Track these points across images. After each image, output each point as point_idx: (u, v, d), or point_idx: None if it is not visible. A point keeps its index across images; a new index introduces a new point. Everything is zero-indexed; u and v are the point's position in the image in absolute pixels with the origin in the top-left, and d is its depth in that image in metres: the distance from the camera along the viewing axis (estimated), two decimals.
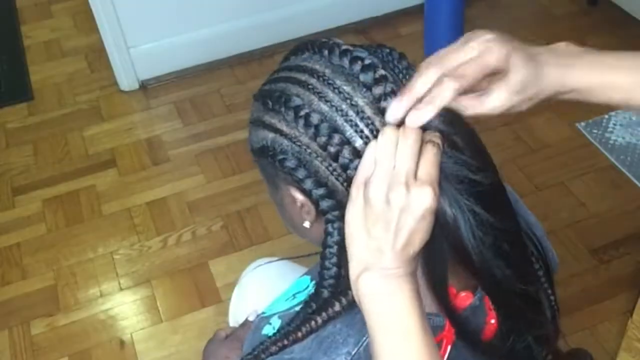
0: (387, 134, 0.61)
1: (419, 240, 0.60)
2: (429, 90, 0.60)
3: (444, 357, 0.68)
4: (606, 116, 2.20)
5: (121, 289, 1.89)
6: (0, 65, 2.70)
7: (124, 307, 1.85)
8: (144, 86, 2.52)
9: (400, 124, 0.62)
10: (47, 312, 1.85)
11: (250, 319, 1.11)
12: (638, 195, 1.97)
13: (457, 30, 2.43)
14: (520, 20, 2.63)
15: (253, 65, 2.55)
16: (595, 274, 1.81)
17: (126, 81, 2.49)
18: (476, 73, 0.60)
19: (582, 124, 2.19)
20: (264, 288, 1.19)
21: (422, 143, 0.61)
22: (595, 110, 2.22)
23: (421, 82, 0.60)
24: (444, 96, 0.59)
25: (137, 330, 1.80)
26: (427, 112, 0.60)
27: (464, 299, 0.71)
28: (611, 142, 2.13)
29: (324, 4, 2.57)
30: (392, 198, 0.59)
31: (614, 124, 2.18)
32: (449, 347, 0.69)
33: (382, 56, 0.67)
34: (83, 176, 2.20)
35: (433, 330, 0.64)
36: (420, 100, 0.60)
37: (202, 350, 1.14)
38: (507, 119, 2.25)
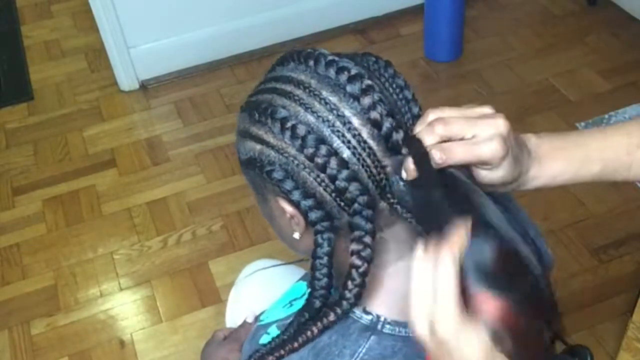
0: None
1: None
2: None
3: None
4: (606, 116, 2.20)
5: (121, 289, 1.89)
6: (0, 65, 2.70)
7: (124, 307, 1.85)
8: (144, 86, 2.52)
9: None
10: (47, 312, 1.85)
11: (248, 320, 1.11)
12: (638, 195, 1.97)
13: (457, 30, 2.43)
14: (520, 20, 2.63)
15: (253, 65, 2.55)
16: (595, 274, 1.81)
17: (126, 81, 2.49)
18: (465, 156, 0.61)
19: (582, 124, 2.19)
20: (261, 289, 1.19)
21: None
22: (595, 110, 2.22)
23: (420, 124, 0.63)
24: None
25: (137, 330, 1.80)
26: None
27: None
28: None
29: (324, 4, 2.57)
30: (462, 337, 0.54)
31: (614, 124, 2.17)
32: None
33: (368, 65, 0.66)
34: (83, 176, 2.20)
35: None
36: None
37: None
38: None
